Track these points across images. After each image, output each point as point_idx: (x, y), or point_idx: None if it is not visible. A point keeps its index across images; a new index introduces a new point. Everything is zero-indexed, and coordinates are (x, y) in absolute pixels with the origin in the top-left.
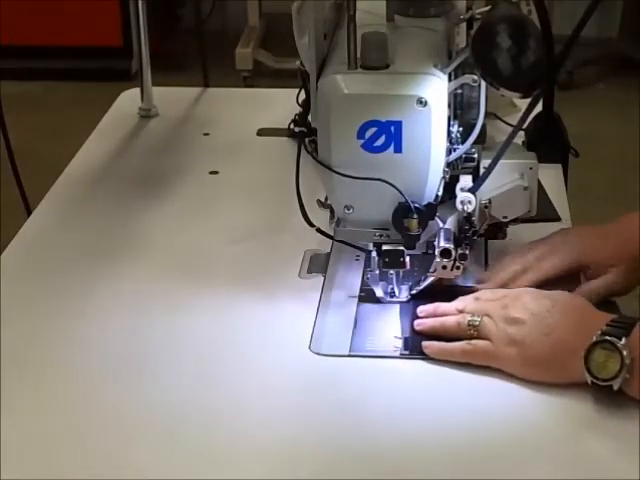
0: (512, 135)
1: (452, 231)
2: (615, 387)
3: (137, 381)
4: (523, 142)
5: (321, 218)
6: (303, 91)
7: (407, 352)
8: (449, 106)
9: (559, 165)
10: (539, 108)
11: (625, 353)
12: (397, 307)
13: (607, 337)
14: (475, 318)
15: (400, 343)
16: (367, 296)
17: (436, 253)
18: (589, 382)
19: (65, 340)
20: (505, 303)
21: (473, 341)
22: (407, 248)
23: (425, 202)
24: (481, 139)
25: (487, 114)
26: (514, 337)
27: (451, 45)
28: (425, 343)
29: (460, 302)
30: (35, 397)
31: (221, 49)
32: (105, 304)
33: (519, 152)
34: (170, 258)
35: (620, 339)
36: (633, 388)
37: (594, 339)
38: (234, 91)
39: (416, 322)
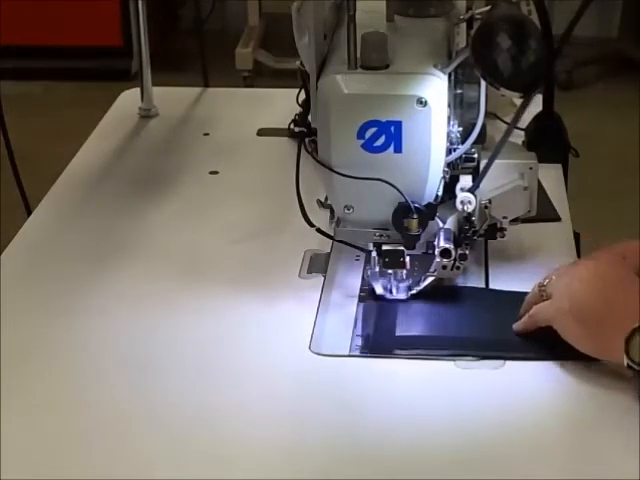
0: (507, 133)
1: (452, 231)
2: None
3: (137, 381)
4: (523, 142)
5: (321, 218)
6: (303, 91)
7: (367, 351)
8: (449, 106)
9: (559, 165)
10: (539, 108)
11: None
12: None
13: None
14: (546, 280)
15: (360, 341)
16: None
17: (436, 253)
18: (625, 364)
19: (65, 340)
20: (580, 262)
21: (538, 304)
22: (407, 248)
23: (425, 202)
24: (481, 139)
25: (487, 114)
26: (572, 293)
27: (451, 45)
28: (514, 324)
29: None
30: (35, 397)
31: (221, 49)
32: (105, 304)
33: (519, 152)
34: (170, 258)
35: None
36: None
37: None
38: (234, 91)
39: (514, 326)
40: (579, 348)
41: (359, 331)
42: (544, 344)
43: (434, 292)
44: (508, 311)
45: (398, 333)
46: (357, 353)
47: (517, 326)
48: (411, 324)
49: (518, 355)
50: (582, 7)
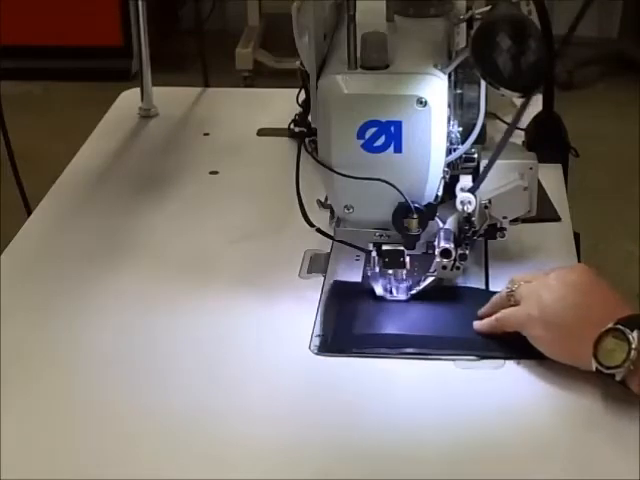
0: (508, 134)
1: (452, 231)
2: (617, 377)
3: (137, 381)
4: (523, 142)
5: (321, 218)
6: (303, 91)
7: (324, 350)
8: (449, 106)
9: (559, 165)
10: (539, 108)
11: (634, 345)
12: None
13: (620, 326)
14: (514, 286)
15: (318, 341)
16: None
17: (436, 253)
18: (594, 368)
19: (65, 340)
20: (550, 272)
21: (506, 309)
22: (407, 248)
23: (425, 202)
24: (481, 139)
25: (487, 114)
26: (542, 301)
27: (451, 45)
28: (475, 322)
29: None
30: (36, 397)
31: (221, 49)
32: (105, 304)
33: (519, 152)
34: (170, 258)
35: (633, 331)
36: (635, 382)
37: (608, 327)
38: (234, 91)
39: (474, 324)
40: (549, 355)
41: (318, 331)
42: (511, 344)
43: (433, 292)
44: (476, 309)
45: (356, 332)
46: (316, 352)
47: (481, 326)
48: (371, 323)
49: (484, 354)
50: (583, 8)
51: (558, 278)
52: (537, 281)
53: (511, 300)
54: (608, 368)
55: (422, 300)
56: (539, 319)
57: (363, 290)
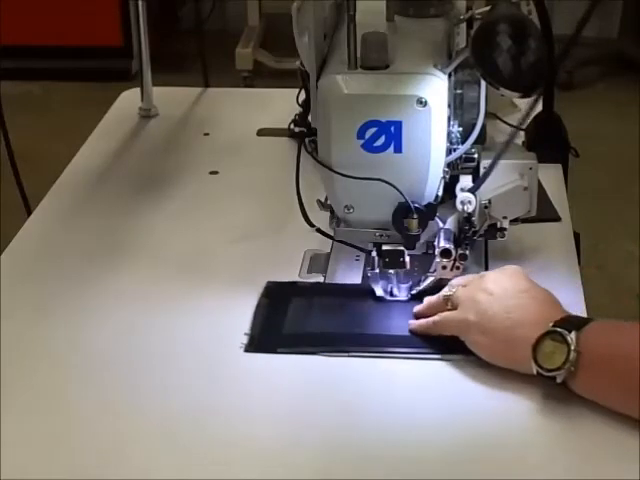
0: (512, 135)
1: (452, 231)
2: (558, 379)
3: (137, 380)
4: (523, 142)
5: (321, 218)
6: (303, 91)
7: (251, 349)
8: (449, 106)
9: (559, 165)
10: (539, 108)
11: (572, 347)
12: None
13: (558, 329)
14: (451, 290)
15: (246, 339)
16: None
17: (436, 253)
18: (534, 372)
19: (65, 340)
20: (486, 274)
21: (444, 312)
22: (407, 248)
23: (425, 202)
24: (481, 139)
25: (487, 114)
26: (478, 305)
27: (451, 45)
28: (410, 321)
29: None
30: (35, 397)
31: (221, 49)
32: (105, 304)
33: (519, 152)
34: (170, 258)
35: (570, 332)
36: (576, 383)
37: (545, 329)
38: (234, 91)
39: (410, 323)
40: (488, 360)
41: (248, 330)
42: (441, 342)
43: (433, 292)
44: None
45: (285, 331)
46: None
47: (418, 327)
48: (301, 321)
49: (423, 351)
50: (589, 10)
51: (493, 281)
52: (473, 285)
53: (448, 304)
54: (549, 371)
55: (355, 297)
56: (476, 324)
57: (295, 290)
